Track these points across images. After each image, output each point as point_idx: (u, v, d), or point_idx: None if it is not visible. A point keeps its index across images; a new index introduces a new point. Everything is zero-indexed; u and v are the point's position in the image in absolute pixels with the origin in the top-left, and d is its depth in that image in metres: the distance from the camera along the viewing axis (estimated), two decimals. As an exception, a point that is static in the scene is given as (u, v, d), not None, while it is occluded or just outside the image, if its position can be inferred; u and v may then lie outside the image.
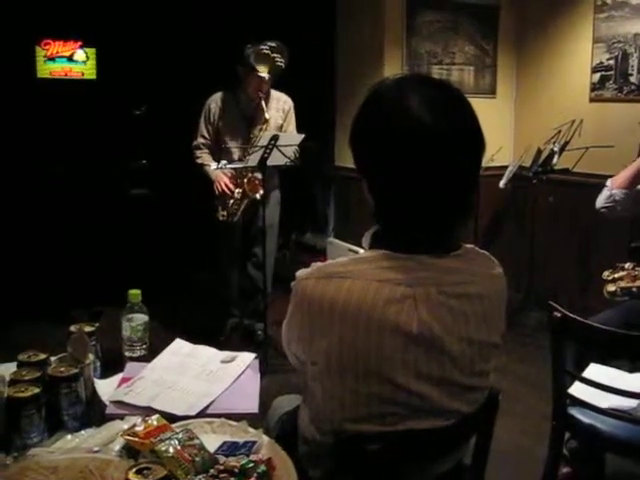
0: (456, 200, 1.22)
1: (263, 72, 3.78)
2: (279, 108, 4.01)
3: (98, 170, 5.36)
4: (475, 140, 1.22)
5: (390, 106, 1.21)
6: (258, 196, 3.82)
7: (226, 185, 3.88)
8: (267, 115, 3.84)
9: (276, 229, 4.18)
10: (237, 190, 3.90)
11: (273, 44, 3.78)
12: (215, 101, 3.98)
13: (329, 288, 1.20)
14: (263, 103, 3.82)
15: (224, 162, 3.77)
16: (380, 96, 1.25)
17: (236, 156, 3.94)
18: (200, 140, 4.00)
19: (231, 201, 3.93)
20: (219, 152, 3.98)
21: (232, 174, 3.91)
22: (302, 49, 4.70)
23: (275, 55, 3.78)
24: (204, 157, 4.00)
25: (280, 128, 3.98)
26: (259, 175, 3.80)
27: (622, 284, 2.85)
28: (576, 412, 2.15)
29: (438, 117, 1.17)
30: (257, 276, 4.11)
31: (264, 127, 3.84)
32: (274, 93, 4.01)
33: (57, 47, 5.57)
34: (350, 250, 4.32)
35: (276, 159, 3.66)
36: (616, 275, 2.93)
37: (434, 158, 1.17)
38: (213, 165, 3.84)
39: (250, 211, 3.99)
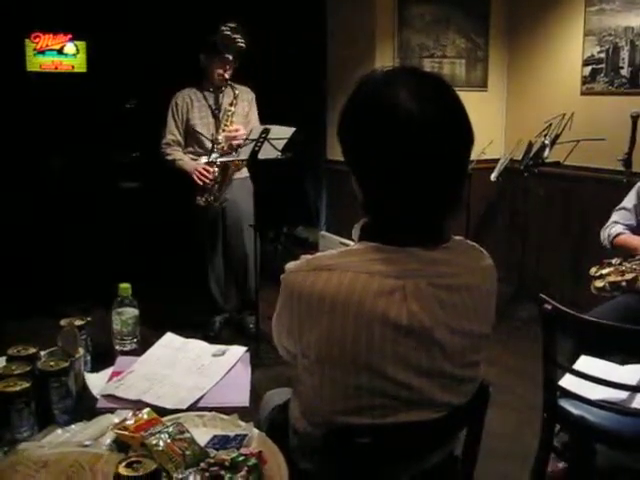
0: (445, 192, 1.22)
1: (226, 53, 3.83)
2: (244, 98, 4.06)
3: (89, 163, 5.34)
4: (464, 132, 1.22)
5: (378, 98, 1.21)
6: (245, 161, 3.82)
7: (205, 170, 3.88)
8: (237, 91, 3.91)
9: (251, 218, 4.09)
10: (214, 170, 3.90)
11: (233, 25, 3.84)
12: (181, 97, 4.00)
13: (318, 281, 1.20)
14: (228, 84, 3.90)
15: (215, 155, 3.79)
16: (368, 88, 1.24)
17: (208, 144, 3.95)
18: (170, 137, 4.01)
19: (211, 183, 3.93)
20: (191, 144, 4.01)
21: (207, 161, 3.93)
22: (293, 42, 4.69)
23: (235, 36, 3.84)
24: (175, 154, 4.00)
25: (246, 116, 4.05)
26: None
27: (610, 279, 2.86)
28: (566, 404, 2.16)
29: (426, 109, 1.17)
30: (238, 267, 4.14)
31: (235, 102, 3.92)
32: (237, 86, 4.03)
33: (47, 40, 5.54)
34: (342, 243, 4.27)
35: (266, 152, 3.68)
36: (603, 271, 2.94)
37: (422, 150, 1.16)
38: (203, 159, 3.87)
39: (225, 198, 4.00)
